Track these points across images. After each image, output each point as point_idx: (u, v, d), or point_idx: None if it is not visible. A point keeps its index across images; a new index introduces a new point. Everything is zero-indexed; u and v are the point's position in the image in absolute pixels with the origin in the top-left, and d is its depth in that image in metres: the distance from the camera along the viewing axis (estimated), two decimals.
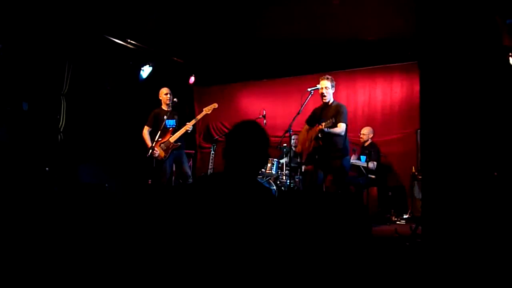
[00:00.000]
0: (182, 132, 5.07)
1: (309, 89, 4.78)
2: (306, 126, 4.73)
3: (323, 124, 4.31)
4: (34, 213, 3.92)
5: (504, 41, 2.90)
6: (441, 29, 2.82)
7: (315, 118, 4.61)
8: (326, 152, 4.42)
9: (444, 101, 2.77)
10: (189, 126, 5.07)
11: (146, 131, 5.20)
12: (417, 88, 4.44)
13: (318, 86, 4.78)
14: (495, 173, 2.63)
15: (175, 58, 6.80)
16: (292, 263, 1.58)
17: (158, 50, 6.37)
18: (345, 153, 4.45)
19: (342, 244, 2.71)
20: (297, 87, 6.15)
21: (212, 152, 6.45)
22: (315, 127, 4.46)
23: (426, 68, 2.92)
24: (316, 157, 4.52)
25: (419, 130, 5.03)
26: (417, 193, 5.34)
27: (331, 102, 4.54)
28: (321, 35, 5.72)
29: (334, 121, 4.29)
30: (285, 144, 5.79)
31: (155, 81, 6.66)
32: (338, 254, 2.60)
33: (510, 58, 3.01)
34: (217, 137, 7.03)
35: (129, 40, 5.92)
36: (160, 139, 5.01)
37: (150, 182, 5.84)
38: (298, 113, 4.68)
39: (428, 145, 2.87)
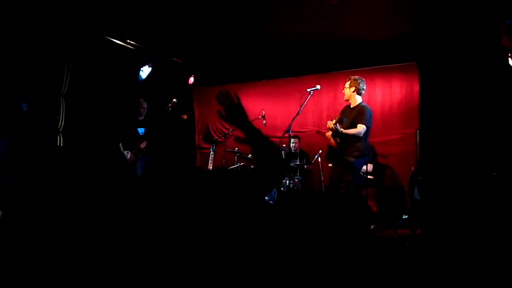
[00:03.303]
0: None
1: (308, 90, 4.79)
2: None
3: (334, 120, 4.31)
4: (34, 213, 3.91)
5: (504, 42, 2.90)
6: (440, 30, 2.82)
7: (341, 117, 4.61)
8: (341, 150, 4.40)
9: (443, 101, 2.77)
10: None
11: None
12: (416, 88, 4.44)
13: (318, 86, 4.80)
14: (494, 174, 2.64)
15: (175, 59, 6.80)
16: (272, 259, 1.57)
17: (157, 50, 6.36)
18: (360, 155, 4.38)
19: (341, 244, 2.71)
20: (296, 88, 6.14)
21: (212, 152, 6.45)
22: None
23: (425, 69, 2.92)
24: (334, 155, 4.52)
25: (418, 131, 5.03)
26: (417, 194, 5.34)
27: (356, 103, 4.53)
28: (320, 36, 5.71)
29: (350, 121, 4.32)
30: (284, 145, 5.79)
31: (154, 81, 6.67)
32: (338, 254, 2.60)
33: (509, 59, 3.01)
34: (216, 137, 7.02)
35: (128, 41, 5.91)
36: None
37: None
38: (298, 114, 4.69)
39: (427, 146, 2.87)
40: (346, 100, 4.65)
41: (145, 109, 5.80)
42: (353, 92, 4.53)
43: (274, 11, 4.94)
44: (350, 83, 4.55)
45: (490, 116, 2.65)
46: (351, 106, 4.59)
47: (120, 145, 5.62)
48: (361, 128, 4.34)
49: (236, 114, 1.69)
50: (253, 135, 1.66)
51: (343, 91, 4.64)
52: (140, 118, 5.78)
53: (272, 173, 1.60)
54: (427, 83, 2.90)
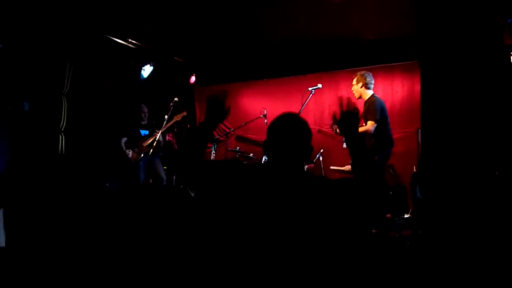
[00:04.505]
0: (153, 139, 5.62)
1: (310, 89, 4.79)
2: None
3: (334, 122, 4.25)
4: (37, 212, 3.93)
5: (505, 40, 2.90)
6: (442, 28, 2.82)
7: (333, 120, 4.54)
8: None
9: (445, 100, 2.77)
10: (157, 134, 5.61)
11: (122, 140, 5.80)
12: (418, 87, 4.44)
13: (319, 85, 4.79)
14: (496, 172, 2.63)
15: (176, 58, 6.80)
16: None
17: (159, 49, 6.37)
18: (376, 148, 4.24)
19: (342, 242, 2.70)
20: (298, 87, 6.14)
21: (213, 151, 6.45)
22: None
23: (427, 68, 2.92)
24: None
25: (420, 130, 5.02)
26: (418, 193, 5.33)
27: (368, 97, 4.42)
28: (321, 35, 5.71)
29: (362, 117, 4.24)
30: None
31: (156, 80, 6.67)
32: (338, 253, 2.59)
33: (511, 57, 3.01)
34: (217, 136, 7.02)
35: (130, 40, 5.91)
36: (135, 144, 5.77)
37: (151, 182, 5.89)
38: (299, 113, 4.68)
39: (429, 145, 2.87)
40: (358, 98, 4.51)
41: (146, 114, 5.91)
42: (361, 87, 4.44)
43: (275, 9, 4.93)
44: (357, 79, 4.46)
45: (492, 114, 2.65)
46: (364, 101, 4.50)
47: (123, 144, 5.66)
48: (369, 125, 4.22)
49: (350, 124, 1.71)
50: (357, 150, 1.68)
51: (352, 90, 4.51)
52: (143, 123, 5.88)
53: (368, 188, 1.65)
54: (429, 81, 2.90)
